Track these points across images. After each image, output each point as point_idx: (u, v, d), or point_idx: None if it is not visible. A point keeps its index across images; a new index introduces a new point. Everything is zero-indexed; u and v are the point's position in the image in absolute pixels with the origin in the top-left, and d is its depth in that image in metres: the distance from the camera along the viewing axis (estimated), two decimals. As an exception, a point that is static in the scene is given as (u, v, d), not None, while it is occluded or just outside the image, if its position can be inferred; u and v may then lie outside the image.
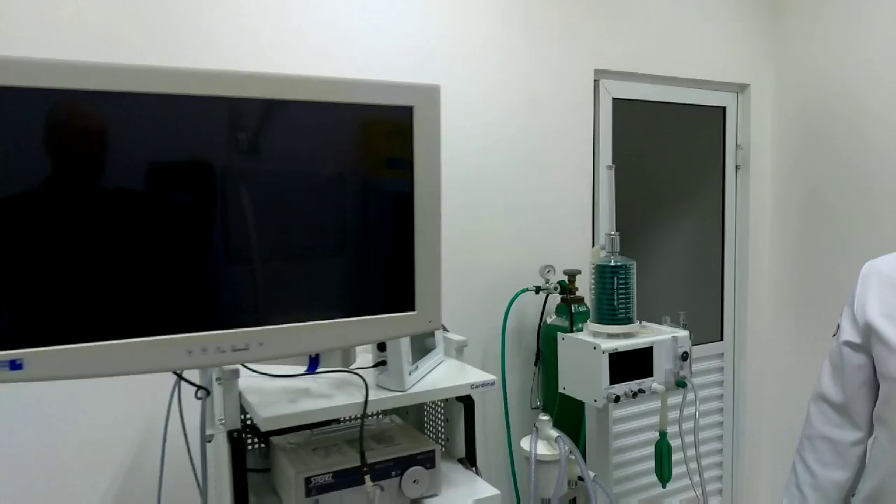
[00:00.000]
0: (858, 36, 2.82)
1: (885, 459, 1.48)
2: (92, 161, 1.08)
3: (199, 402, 1.46)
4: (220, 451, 1.48)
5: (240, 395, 1.49)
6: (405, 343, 1.50)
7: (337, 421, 1.77)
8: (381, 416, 1.85)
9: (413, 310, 1.34)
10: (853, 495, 1.60)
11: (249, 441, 1.78)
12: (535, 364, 2.51)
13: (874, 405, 1.53)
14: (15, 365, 1.00)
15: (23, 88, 1.02)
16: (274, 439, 1.63)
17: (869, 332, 1.49)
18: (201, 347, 1.13)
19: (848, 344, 1.55)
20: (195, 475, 1.64)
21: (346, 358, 1.48)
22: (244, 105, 1.18)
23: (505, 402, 2.46)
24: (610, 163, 2.71)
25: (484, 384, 1.62)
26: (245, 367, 1.51)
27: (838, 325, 1.60)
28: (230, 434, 1.45)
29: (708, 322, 3.13)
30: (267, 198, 1.21)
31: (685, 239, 3.29)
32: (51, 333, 1.05)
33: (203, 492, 1.60)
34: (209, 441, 1.53)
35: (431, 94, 1.29)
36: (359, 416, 1.48)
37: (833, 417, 1.59)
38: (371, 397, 1.46)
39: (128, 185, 1.11)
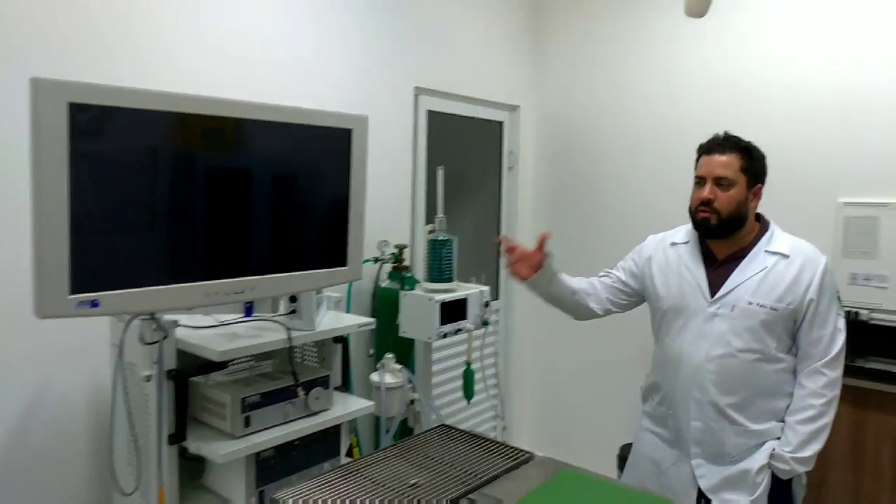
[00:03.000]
0: (594, 76, 3.64)
1: (658, 359, 2.09)
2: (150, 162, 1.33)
3: (145, 346, 1.66)
4: (152, 389, 1.69)
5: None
6: (313, 295, 1.85)
7: (225, 365, 2.01)
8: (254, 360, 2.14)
9: (346, 265, 1.72)
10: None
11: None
12: (370, 319, 2.91)
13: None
14: (94, 304, 1.22)
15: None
16: (193, 380, 1.87)
17: (649, 281, 2.08)
18: (214, 291, 1.42)
19: (615, 276, 2.19)
20: (128, 411, 1.82)
21: (275, 307, 1.78)
22: (270, 126, 1.56)
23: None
24: (425, 160, 3.20)
25: (366, 324, 2.02)
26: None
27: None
28: (169, 372, 1.70)
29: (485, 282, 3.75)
30: (265, 190, 1.57)
31: (473, 220, 3.90)
32: (118, 281, 1.28)
33: (160, 423, 1.77)
34: (148, 380, 1.73)
35: (363, 120, 1.70)
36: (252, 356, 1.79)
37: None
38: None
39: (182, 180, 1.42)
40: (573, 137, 3.75)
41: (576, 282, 2.22)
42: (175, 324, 1.70)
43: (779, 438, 1.89)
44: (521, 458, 1.64)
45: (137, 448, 1.72)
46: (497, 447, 1.71)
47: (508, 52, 3.65)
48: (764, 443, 1.89)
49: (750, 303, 1.87)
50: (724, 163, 1.88)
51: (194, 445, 1.71)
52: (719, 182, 1.88)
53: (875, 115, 2.85)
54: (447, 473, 1.54)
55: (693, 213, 1.95)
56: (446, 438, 1.77)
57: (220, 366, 1.93)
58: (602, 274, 2.27)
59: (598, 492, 1.52)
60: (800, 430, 1.84)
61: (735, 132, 2.01)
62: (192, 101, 1.45)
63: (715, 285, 1.94)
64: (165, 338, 1.63)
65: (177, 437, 1.71)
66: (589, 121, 3.68)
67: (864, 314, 2.88)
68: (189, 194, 1.50)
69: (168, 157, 1.48)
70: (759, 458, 1.87)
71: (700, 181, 1.94)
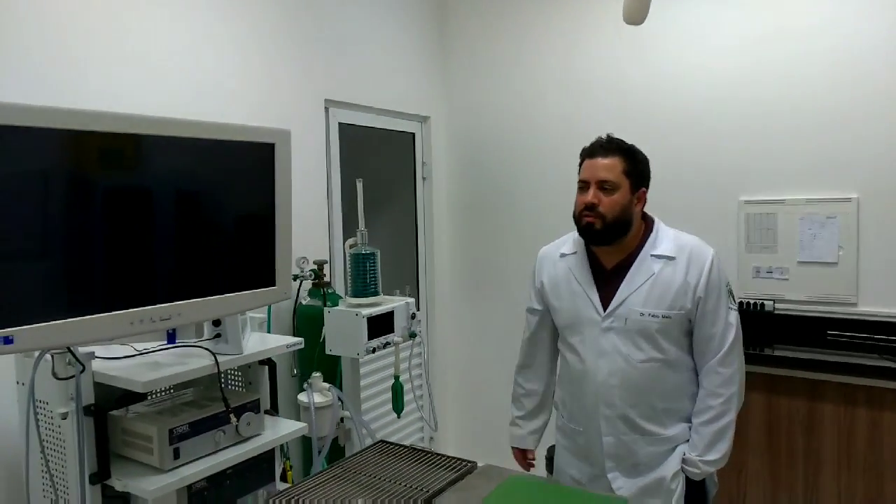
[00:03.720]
0: (502, 86, 3.76)
1: (564, 375, 2.12)
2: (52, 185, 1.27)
3: (60, 382, 1.58)
4: (69, 427, 1.62)
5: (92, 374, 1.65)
6: (239, 318, 1.82)
7: (144, 396, 1.95)
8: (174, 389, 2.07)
9: (275, 285, 1.70)
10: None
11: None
12: (292, 338, 2.88)
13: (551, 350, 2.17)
14: (7, 340, 1.15)
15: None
16: (112, 414, 1.79)
17: (545, 300, 2.11)
18: (140, 319, 1.37)
19: (530, 310, 2.19)
20: (42, 452, 1.72)
21: (200, 333, 1.74)
22: (186, 142, 1.53)
23: (269, 372, 2.79)
24: (339, 173, 3.20)
25: (294, 345, 2.00)
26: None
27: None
28: (87, 408, 1.62)
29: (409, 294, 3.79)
30: (186, 211, 1.52)
31: (390, 232, 3.93)
32: (33, 314, 1.21)
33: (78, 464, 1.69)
34: (64, 418, 1.65)
35: (286, 134, 1.69)
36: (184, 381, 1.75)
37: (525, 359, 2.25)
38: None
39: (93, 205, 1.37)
40: (484, 146, 3.86)
41: (542, 398, 2.22)
42: (91, 356, 1.63)
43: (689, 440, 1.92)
44: (464, 469, 1.68)
45: (56, 491, 1.63)
46: (439, 459, 1.74)
47: (417, 63, 3.72)
48: (675, 447, 1.93)
49: (642, 314, 1.88)
50: (607, 166, 1.88)
51: (120, 483, 1.63)
52: (603, 186, 1.87)
53: (771, 121, 3.11)
54: (392, 490, 1.56)
55: (577, 219, 1.94)
56: (386, 455, 1.78)
57: (140, 397, 1.87)
58: (525, 331, 2.24)
59: (551, 496, 1.57)
60: (703, 433, 1.88)
61: (643, 137, 2.07)
62: (102, 117, 1.39)
63: (606, 298, 1.94)
64: (83, 371, 1.57)
65: (100, 475, 1.63)
66: (499, 129, 3.80)
67: (768, 305, 3.12)
68: (105, 218, 1.44)
69: (78, 180, 1.42)
70: (671, 465, 1.91)
71: (583, 185, 1.92)
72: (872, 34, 2.89)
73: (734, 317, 1.91)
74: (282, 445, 2.11)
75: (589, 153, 1.94)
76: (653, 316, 1.88)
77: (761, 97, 3.12)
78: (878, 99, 2.89)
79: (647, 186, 1.96)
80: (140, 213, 1.53)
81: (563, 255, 2.07)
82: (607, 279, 1.96)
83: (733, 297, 1.96)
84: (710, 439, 1.87)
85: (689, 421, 1.93)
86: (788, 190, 3.10)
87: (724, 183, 3.22)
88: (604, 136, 1.97)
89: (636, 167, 1.92)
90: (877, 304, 2.94)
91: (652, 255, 1.92)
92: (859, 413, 2.73)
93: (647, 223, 1.99)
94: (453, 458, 1.75)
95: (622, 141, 1.94)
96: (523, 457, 2.26)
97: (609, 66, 3.46)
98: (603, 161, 1.89)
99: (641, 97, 3.37)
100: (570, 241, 2.09)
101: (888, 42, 2.86)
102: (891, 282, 2.92)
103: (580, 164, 1.97)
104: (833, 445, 2.78)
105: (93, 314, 1.34)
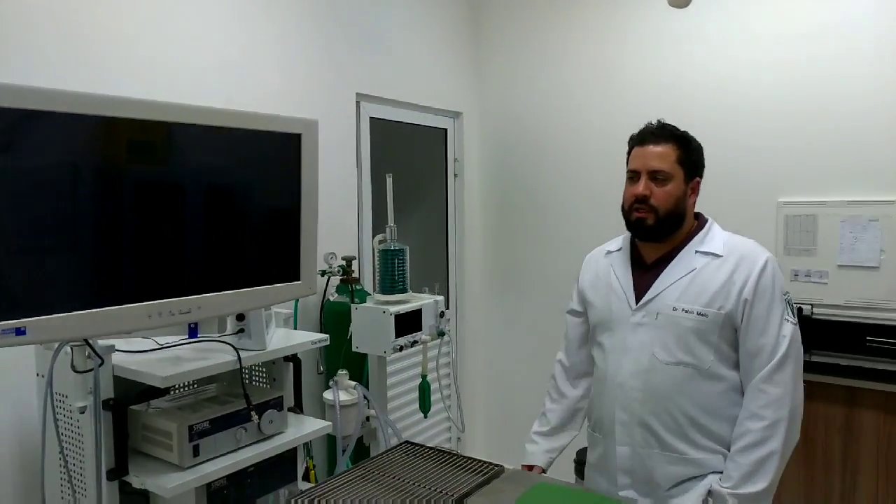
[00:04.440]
0: (535, 82, 3.67)
1: (596, 378, 1.88)
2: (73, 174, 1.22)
3: (78, 375, 1.53)
4: (87, 421, 1.57)
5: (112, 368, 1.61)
6: (263, 313, 1.76)
7: (166, 391, 1.88)
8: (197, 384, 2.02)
9: (299, 280, 1.63)
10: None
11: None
12: (318, 335, 2.82)
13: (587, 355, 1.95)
14: (20, 331, 1.11)
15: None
16: (133, 409, 1.75)
17: (584, 298, 1.95)
18: (158, 312, 1.31)
19: (570, 311, 2.02)
20: (60, 445, 1.68)
21: (222, 327, 1.68)
22: (210, 131, 1.49)
23: (295, 368, 2.74)
24: (369, 169, 3.14)
25: (319, 341, 1.94)
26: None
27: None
28: (106, 402, 1.58)
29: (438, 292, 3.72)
30: (207, 201, 1.48)
31: (420, 229, 3.86)
32: (47, 305, 1.16)
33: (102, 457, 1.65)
34: (83, 412, 1.60)
35: (313, 125, 1.63)
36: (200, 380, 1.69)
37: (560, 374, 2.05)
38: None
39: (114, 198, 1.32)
40: (517, 143, 3.77)
41: (571, 414, 1.99)
42: (111, 349, 1.59)
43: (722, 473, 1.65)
44: (491, 473, 1.61)
45: (73, 486, 1.59)
46: (465, 462, 1.67)
47: (450, 58, 3.65)
48: (704, 476, 1.66)
49: (675, 308, 1.67)
50: (660, 154, 1.69)
51: (138, 480, 1.59)
52: (655, 176, 1.69)
53: (812, 119, 2.97)
54: (417, 493, 1.49)
55: (627, 213, 1.75)
56: (411, 456, 1.71)
57: (161, 392, 1.82)
58: (564, 338, 2.06)
59: (580, 503, 1.49)
60: (740, 462, 1.59)
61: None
62: (129, 104, 1.35)
63: (641, 291, 1.75)
64: (101, 365, 1.52)
65: (117, 471, 1.59)
66: (532, 126, 3.71)
67: (806, 310, 2.99)
68: (124, 208, 1.39)
69: (100, 167, 1.37)
70: (691, 497, 1.64)
71: (633, 175, 1.74)
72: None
73: (790, 330, 1.63)
74: (305, 444, 2.05)
75: (639, 140, 1.76)
76: (686, 312, 1.65)
77: (801, 94, 2.99)
78: (925, 97, 2.75)
79: (701, 176, 1.77)
80: (161, 203, 1.48)
81: (608, 253, 1.90)
82: (646, 272, 1.78)
83: (792, 309, 1.67)
84: (747, 470, 1.58)
85: (726, 448, 1.66)
86: (829, 191, 2.97)
87: (763, 183, 3.09)
88: (654, 121, 1.78)
89: (690, 155, 1.73)
90: (920, 311, 2.79)
91: (697, 251, 1.73)
92: (901, 422, 2.62)
93: (700, 221, 1.80)
94: (480, 461, 1.67)
95: (675, 127, 1.76)
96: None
97: (645, 63, 3.35)
98: (655, 149, 1.70)
99: (677, 94, 3.25)
100: (619, 239, 1.92)
101: (940, 37, 2.71)
102: (937, 288, 2.77)
103: (628, 153, 1.78)
104: (872, 455, 2.67)
105: (108, 306, 1.29)
